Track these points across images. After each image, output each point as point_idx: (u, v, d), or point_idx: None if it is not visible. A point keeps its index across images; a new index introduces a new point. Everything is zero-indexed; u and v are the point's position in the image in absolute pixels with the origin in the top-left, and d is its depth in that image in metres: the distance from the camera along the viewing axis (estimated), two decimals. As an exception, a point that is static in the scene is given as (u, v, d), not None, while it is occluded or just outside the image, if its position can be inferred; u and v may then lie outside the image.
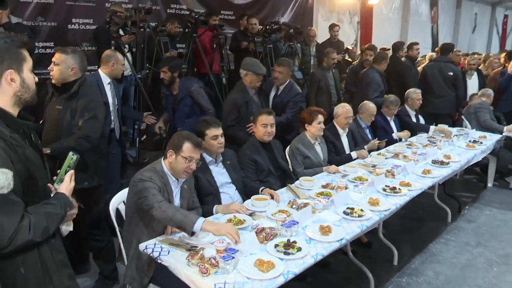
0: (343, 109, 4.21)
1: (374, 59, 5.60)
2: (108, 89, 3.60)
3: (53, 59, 2.83)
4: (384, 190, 3.22)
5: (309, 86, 5.94)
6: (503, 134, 5.29)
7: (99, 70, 3.63)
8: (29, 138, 1.75)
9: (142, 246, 2.32)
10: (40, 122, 3.02)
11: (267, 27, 6.09)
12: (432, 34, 12.31)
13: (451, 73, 5.92)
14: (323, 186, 3.26)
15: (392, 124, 4.97)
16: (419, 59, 7.58)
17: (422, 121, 5.42)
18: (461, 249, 3.89)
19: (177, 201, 2.63)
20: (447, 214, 4.49)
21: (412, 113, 5.28)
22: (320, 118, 3.84)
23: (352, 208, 2.81)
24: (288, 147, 3.96)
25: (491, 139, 4.99)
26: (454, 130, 5.29)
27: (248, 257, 2.16)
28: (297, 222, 2.51)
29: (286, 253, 2.22)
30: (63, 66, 2.79)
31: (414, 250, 3.83)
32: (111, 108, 3.59)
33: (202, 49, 5.36)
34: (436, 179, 3.65)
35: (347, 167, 3.74)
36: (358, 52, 8.48)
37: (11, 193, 1.53)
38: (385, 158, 4.05)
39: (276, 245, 2.29)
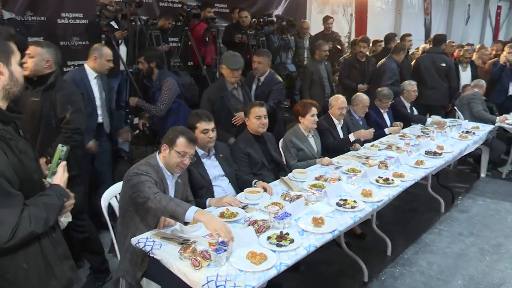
0: (337, 101, 4.21)
1: (393, 50, 5.95)
2: (94, 84, 3.55)
3: (27, 52, 2.84)
4: (377, 181, 3.23)
5: (302, 79, 5.93)
6: (496, 124, 5.32)
7: (85, 65, 3.59)
8: (18, 131, 1.74)
9: (134, 240, 2.32)
10: None
11: (260, 19, 6.05)
12: (425, 25, 12.31)
13: (444, 65, 5.92)
14: (316, 178, 3.26)
15: (386, 116, 4.98)
16: (413, 51, 7.59)
17: (416, 112, 5.42)
18: (454, 239, 3.92)
19: (172, 195, 2.61)
20: (441, 204, 4.51)
21: (407, 105, 5.29)
22: (314, 110, 3.84)
23: (345, 200, 2.81)
24: (282, 139, 3.95)
25: (483, 130, 5.02)
26: (447, 121, 5.32)
27: (240, 249, 2.15)
28: (290, 214, 2.51)
29: (278, 245, 2.22)
30: (38, 58, 2.84)
31: (407, 240, 3.85)
32: (98, 103, 3.56)
33: (194, 43, 5.31)
34: (429, 170, 3.66)
35: (340, 159, 3.75)
36: (346, 40, 8.50)
37: (8, 185, 1.52)
38: (378, 150, 4.07)
39: (268, 237, 2.29)
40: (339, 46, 7.24)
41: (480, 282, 3.25)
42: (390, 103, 4.92)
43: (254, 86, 4.43)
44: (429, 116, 5.51)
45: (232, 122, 3.92)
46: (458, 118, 5.71)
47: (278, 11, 7.79)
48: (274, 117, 4.30)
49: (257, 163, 3.42)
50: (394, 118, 5.02)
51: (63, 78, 3.05)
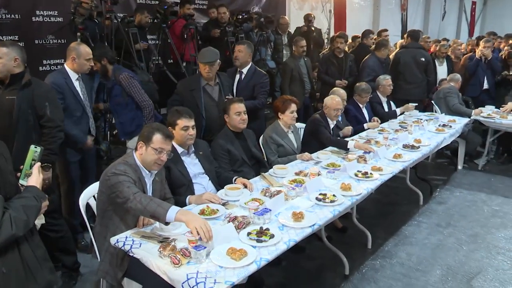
0: (332, 101, 4.16)
1: (375, 46, 6.07)
2: (77, 85, 3.42)
3: None
4: (356, 175, 3.26)
5: (282, 76, 5.93)
6: (471, 117, 5.43)
7: (65, 65, 3.42)
8: None
9: (113, 239, 2.29)
10: None
11: (238, 16, 6.04)
12: (402, 21, 12.49)
13: (423, 59, 6.03)
14: (296, 174, 3.28)
15: (364, 111, 5.04)
16: (391, 48, 7.69)
17: (393, 107, 5.50)
18: (432, 230, 4.00)
19: (149, 194, 2.59)
20: (419, 197, 4.60)
21: (383, 100, 5.36)
22: (293, 107, 3.85)
23: (325, 194, 2.84)
24: (262, 136, 3.96)
25: (460, 123, 5.12)
26: (423, 115, 5.43)
27: (220, 246, 2.15)
28: (270, 210, 2.51)
29: (258, 241, 2.22)
30: (5, 59, 2.79)
31: (387, 233, 3.92)
32: (85, 105, 3.47)
33: (172, 40, 5.27)
34: (407, 163, 3.72)
35: (320, 154, 3.77)
36: (326, 37, 8.56)
37: None
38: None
39: (248, 233, 2.29)
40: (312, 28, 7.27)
41: (457, 271, 3.33)
42: (369, 97, 4.97)
43: (236, 80, 4.32)
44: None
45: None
46: (435, 111, 5.82)
47: (258, 7, 7.81)
48: (255, 114, 4.28)
49: (238, 160, 3.42)
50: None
51: (33, 77, 2.99)
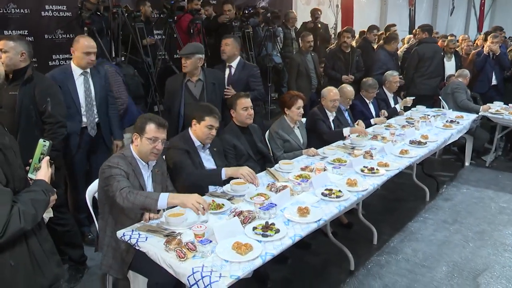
0: (329, 93, 4.20)
1: (384, 40, 6.20)
2: (80, 83, 3.31)
3: (0, 47, 2.79)
4: (362, 171, 3.25)
5: (289, 71, 5.93)
6: (479, 113, 5.38)
7: (71, 61, 3.33)
8: (3, 126, 1.73)
9: (119, 233, 2.30)
10: None
11: (245, 11, 6.02)
12: (410, 16, 12.38)
13: (442, 53, 6.01)
14: (302, 169, 3.28)
15: (371, 106, 5.01)
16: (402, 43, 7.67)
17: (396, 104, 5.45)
18: (438, 226, 3.98)
19: (149, 184, 2.60)
20: (426, 193, 4.58)
21: (390, 96, 5.32)
22: (300, 103, 3.84)
23: (330, 189, 2.83)
24: (268, 131, 3.95)
25: (467, 119, 5.08)
26: (431, 111, 5.40)
27: (226, 240, 2.16)
28: (275, 205, 2.52)
29: (264, 235, 2.23)
30: (12, 53, 2.79)
31: (393, 229, 3.90)
32: (81, 103, 3.32)
33: (179, 35, 5.27)
34: (413, 159, 3.70)
35: (326, 149, 3.76)
36: (332, 32, 8.51)
37: None
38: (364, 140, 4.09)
39: (254, 228, 2.30)
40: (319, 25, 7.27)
41: (463, 268, 3.31)
42: (376, 92, 4.95)
43: (226, 75, 4.15)
44: (415, 107, 5.57)
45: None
46: (443, 107, 5.77)
47: (265, 2, 7.77)
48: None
49: (243, 155, 3.42)
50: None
51: (37, 71, 2.98)
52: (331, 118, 4.27)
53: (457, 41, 7.41)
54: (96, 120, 3.45)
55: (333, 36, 8.41)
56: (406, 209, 4.35)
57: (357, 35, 7.44)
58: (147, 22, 5.23)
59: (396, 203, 4.50)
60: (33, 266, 1.71)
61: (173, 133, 3.57)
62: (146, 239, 2.22)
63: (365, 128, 4.52)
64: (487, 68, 6.19)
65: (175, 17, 5.45)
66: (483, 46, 6.60)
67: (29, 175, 1.81)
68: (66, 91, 3.26)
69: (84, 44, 3.24)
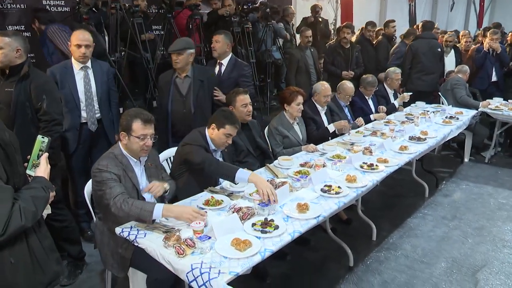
0: (322, 87, 4.20)
1: (405, 34, 6.75)
2: (79, 78, 3.28)
3: None
4: (362, 167, 3.25)
5: (288, 66, 5.91)
6: (479, 110, 5.37)
7: (71, 57, 3.31)
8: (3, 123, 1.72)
9: (118, 230, 2.30)
10: None
11: (244, 6, 5.99)
12: (410, 12, 12.33)
13: (439, 49, 5.98)
14: (301, 165, 3.27)
15: (370, 102, 5.00)
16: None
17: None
18: (437, 222, 3.98)
19: (143, 181, 2.58)
20: (425, 189, 4.58)
21: (390, 92, 5.31)
22: (300, 99, 3.83)
23: (330, 186, 2.83)
24: (267, 127, 3.94)
25: (467, 115, 5.07)
26: (430, 107, 5.39)
27: (225, 236, 2.15)
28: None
29: (263, 232, 2.22)
30: (8, 49, 2.74)
31: (392, 225, 3.90)
32: (80, 99, 3.30)
33: (178, 30, 5.24)
34: (413, 155, 3.69)
35: (326, 145, 3.75)
36: (332, 27, 8.47)
37: None
38: (363, 136, 4.08)
39: (253, 224, 2.29)
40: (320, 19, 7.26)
41: (462, 264, 3.32)
42: (374, 90, 4.94)
43: (216, 72, 4.00)
44: (414, 103, 5.57)
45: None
46: (442, 103, 5.76)
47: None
48: None
49: (243, 151, 3.42)
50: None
51: (34, 68, 2.94)
52: (322, 113, 4.27)
53: (457, 37, 7.37)
54: (98, 115, 3.42)
55: (332, 31, 8.38)
56: (405, 205, 4.35)
57: (357, 31, 7.41)
58: (145, 17, 5.20)
59: (395, 199, 4.50)
60: (33, 264, 1.71)
61: (163, 131, 3.53)
62: (145, 236, 2.22)
63: (365, 124, 4.52)
64: (487, 64, 6.17)
65: (174, 13, 5.42)
66: (483, 42, 6.59)
67: (28, 172, 1.80)
68: (66, 86, 3.23)
69: (76, 37, 3.20)
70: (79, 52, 3.21)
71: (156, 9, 5.58)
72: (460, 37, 7.46)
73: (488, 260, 3.37)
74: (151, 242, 2.15)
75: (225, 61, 3.99)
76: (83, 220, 3.58)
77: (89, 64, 3.33)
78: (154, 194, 2.49)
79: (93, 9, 4.51)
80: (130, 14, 4.80)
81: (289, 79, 5.74)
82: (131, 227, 2.29)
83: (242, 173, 2.63)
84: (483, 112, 5.41)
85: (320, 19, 7.25)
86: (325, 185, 2.84)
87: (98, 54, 3.68)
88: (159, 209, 2.24)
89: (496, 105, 5.45)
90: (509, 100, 5.60)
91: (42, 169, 1.77)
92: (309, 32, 5.70)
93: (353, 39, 6.38)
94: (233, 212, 2.39)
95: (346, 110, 4.65)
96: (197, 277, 1.90)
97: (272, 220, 2.33)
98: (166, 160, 3.26)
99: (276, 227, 2.27)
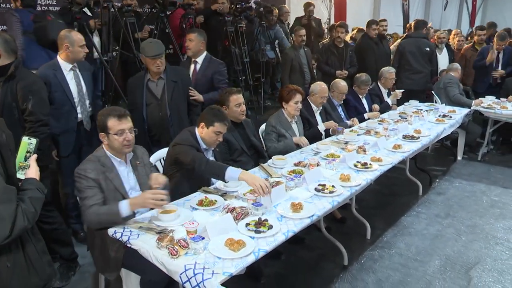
0: (320, 88, 4.20)
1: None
2: (70, 78, 3.28)
3: None
4: (356, 166, 3.25)
5: (282, 66, 5.90)
6: (472, 108, 5.40)
7: (58, 57, 3.28)
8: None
9: (111, 231, 2.28)
10: None
11: (237, 6, 5.97)
12: (404, 11, 12.39)
13: (428, 49, 5.99)
14: (295, 164, 3.27)
15: (364, 101, 5.01)
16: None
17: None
18: (431, 221, 4.00)
19: (131, 178, 2.55)
20: (419, 187, 4.59)
21: (384, 91, 5.33)
22: (298, 97, 3.83)
23: (324, 185, 2.83)
24: (264, 125, 3.94)
25: (460, 113, 5.10)
26: (423, 105, 5.41)
27: (218, 237, 2.15)
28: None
29: (257, 232, 2.21)
30: None
31: (386, 223, 3.92)
32: (75, 99, 3.32)
33: (170, 30, 5.22)
34: (406, 153, 3.70)
35: (320, 144, 3.76)
36: (326, 27, 8.47)
37: (2, 180, 1.50)
38: (357, 135, 4.09)
39: (247, 224, 2.29)
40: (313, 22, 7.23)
41: (456, 261, 3.33)
42: (368, 88, 4.95)
43: (191, 71, 3.99)
44: (408, 102, 5.59)
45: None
46: (435, 102, 5.78)
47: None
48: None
49: (236, 149, 3.40)
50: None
51: (23, 67, 2.90)
52: (317, 113, 4.27)
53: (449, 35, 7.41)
54: (90, 114, 3.45)
55: (326, 31, 8.39)
56: (399, 203, 4.36)
57: (354, 31, 7.42)
58: (137, 16, 5.17)
59: (389, 197, 4.52)
60: (28, 267, 1.70)
61: (142, 138, 3.31)
62: (138, 237, 2.20)
63: (359, 123, 4.53)
64: (490, 69, 6.17)
65: (167, 12, 5.40)
66: (475, 41, 6.62)
67: (17, 175, 1.77)
68: (59, 88, 3.22)
69: (78, 38, 3.26)
70: (83, 52, 3.29)
71: (149, 9, 5.54)
72: (452, 36, 7.48)
73: (481, 258, 3.38)
74: (144, 243, 2.14)
75: (200, 59, 3.99)
76: (76, 222, 3.55)
77: (75, 63, 3.35)
78: (158, 184, 2.47)
79: (83, 10, 4.46)
80: (122, 13, 4.77)
81: (283, 79, 5.74)
82: (124, 228, 2.28)
83: (232, 171, 2.62)
84: (476, 110, 5.44)
85: (313, 19, 7.25)
86: (319, 184, 2.84)
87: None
88: (125, 206, 2.27)
89: (488, 104, 5.48)
90: (501, 99, 5.63)
91: (34, 170, 1.75)
92: (303, 32, 5.70)
93: (347, 38, 6.38)
94: (227, 212, 2.38)
95: (339, 109, 4.66)
96: (191, 278, 1.89)
97: (266, 220, 2.32)
98: (160, 160, 3.24)
99: (270, 227, 2.26)
